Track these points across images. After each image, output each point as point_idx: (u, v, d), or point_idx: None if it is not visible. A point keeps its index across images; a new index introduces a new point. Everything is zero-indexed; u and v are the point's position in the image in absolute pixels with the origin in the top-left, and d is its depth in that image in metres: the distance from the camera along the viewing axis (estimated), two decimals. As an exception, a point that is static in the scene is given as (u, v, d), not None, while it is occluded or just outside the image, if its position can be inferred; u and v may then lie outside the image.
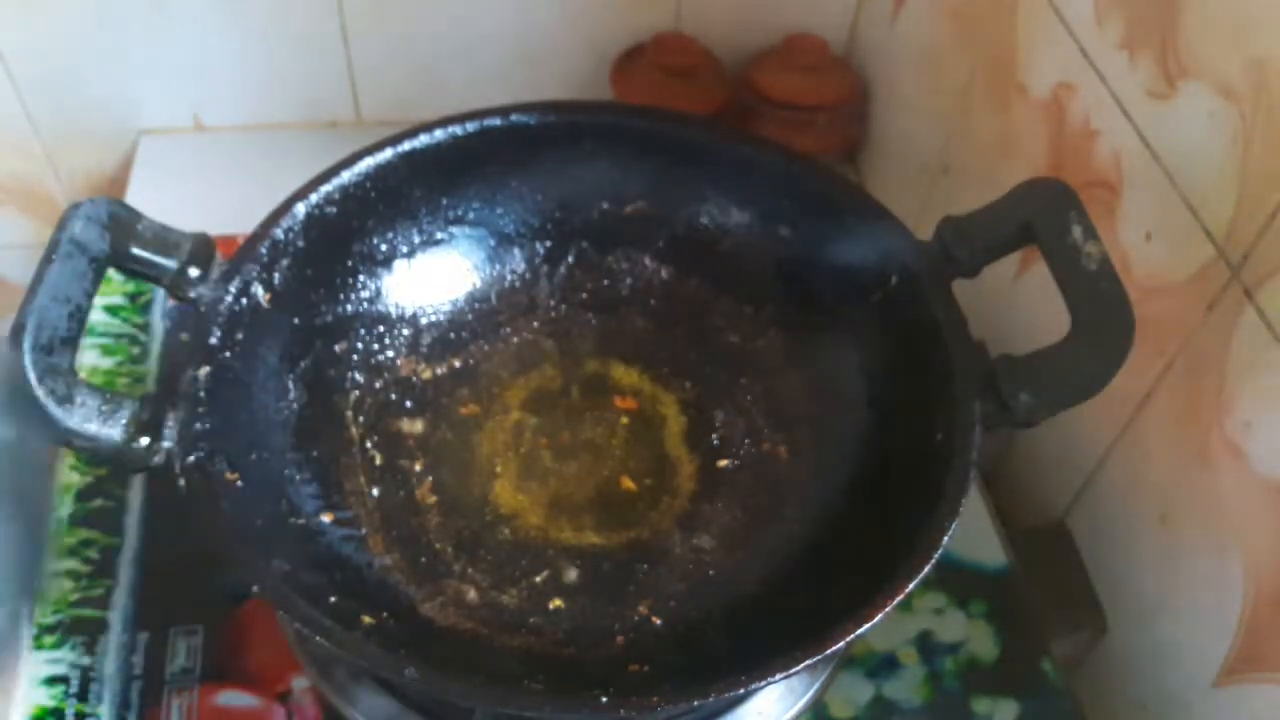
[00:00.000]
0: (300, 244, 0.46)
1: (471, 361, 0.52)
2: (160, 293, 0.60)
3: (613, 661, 0.42)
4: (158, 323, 0.59)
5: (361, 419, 0.49)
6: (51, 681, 0.46)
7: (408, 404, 0.50)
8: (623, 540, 0.47)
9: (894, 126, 0.71)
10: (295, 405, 0.46)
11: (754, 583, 0.45)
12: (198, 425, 0.40)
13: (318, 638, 0.36)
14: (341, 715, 0.44)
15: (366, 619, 0.39)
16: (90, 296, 0.38)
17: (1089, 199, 0.47)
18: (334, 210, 0.47)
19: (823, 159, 0.71)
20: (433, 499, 0.47)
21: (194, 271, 0.42)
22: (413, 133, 0.48)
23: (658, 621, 0.44)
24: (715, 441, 0.50)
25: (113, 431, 0.37)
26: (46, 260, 0.38)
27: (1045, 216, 0.41)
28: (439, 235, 0.51)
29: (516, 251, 0.53)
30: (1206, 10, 0.41)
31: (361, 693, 0.44)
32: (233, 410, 0.42)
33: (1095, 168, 0.49)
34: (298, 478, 0.44)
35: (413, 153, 0.48)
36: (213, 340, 0.42)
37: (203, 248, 0.42)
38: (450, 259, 0.52)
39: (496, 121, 0.49)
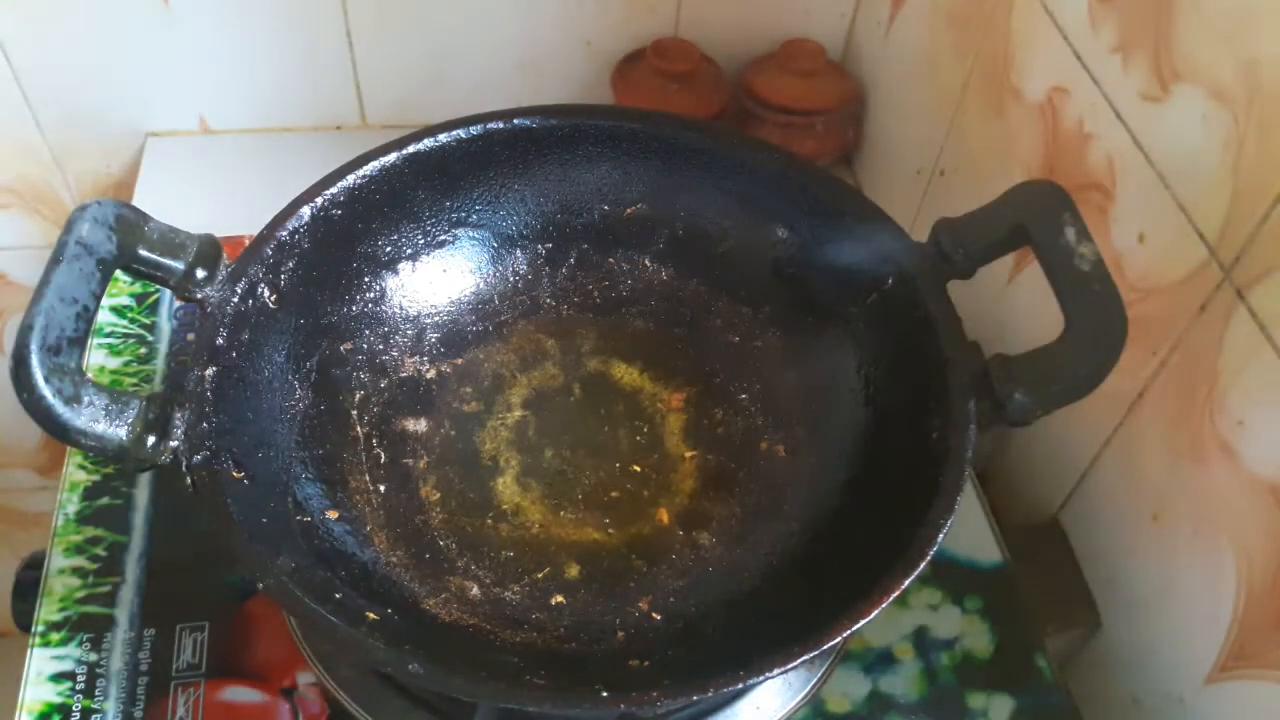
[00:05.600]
0: (306, 246, 0.47)
1: (474, 361, 0.52)
2: (167, 293, 0.61)
3: (613, 657, 0.43)
4: (165, 323, 0.60)
5: (366, 418, 0.49)
6: (58, 678, 0.46)
7: (412, 403, 0.50)
8: (623, 537, 0.47)
9: (890, 130, 0.72)
10: (301, 404, 0.47)
11: (752, 579, 0.45)
12: (204, 424, 0.40)
13: (323, 634, 0.37)
14: (346, 711, 0.45)
15: (371, 615, 0.40)
16: (98, 298, 0.38)
17: (1082, 201, 0.47)
18: (339, 212, 0.47)
19: (820, 162, 0.72)
20: (436, 496, 0.48)
21: (200, 273, 0.42)
22: (417, 136, 0.49)
23: (658, 617, 0.44)
24: (714, 440, 0.50)
25: (120, 430, 0.37)
26: (54, 261, 0.38)
27: (1039, 218, 0.41)
28: (442, 237, 0.52)
29: (519, 253, 0.54)
30: (1199, 13, 0.42)
31: (366, 688, 0.45)
32: (239, 409, 0.43)
33: (1089, 170, 0.49)
34: (303, 476, 0.45)
35: (417, 156, 0.49)
36: (219, 340, 0.42)
37: (209, 249, 0.43)
38: (453, 260, 0.53)
39: (499, 125, 0.50)
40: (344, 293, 0.49)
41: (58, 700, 0.45)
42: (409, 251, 0.51)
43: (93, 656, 0.46)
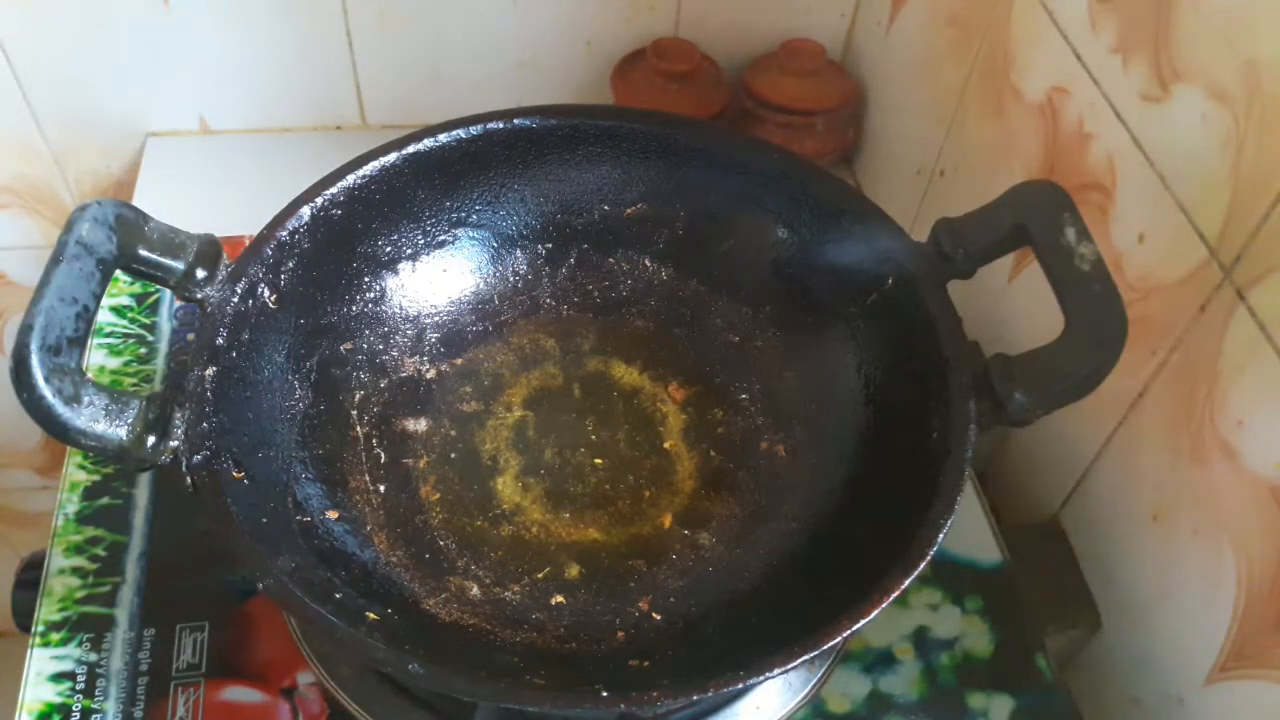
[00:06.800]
0: (306, 245, 0.47)
1: (474, 361, 0.53)
2: (167, 293, 0.61)
3: (613, 657, 0.43)
4: (165, 323, 0.60)
5: (366, 418, 0.49)
6: (58, 678, 0.46)
7: (412, 403, 0.50)
8: (623, 537, 0.47)
9: (890, 130, 0.72)
10: (301, 404, 0.47)
11: (753, 579, 0.45)
12: (204, 424, 0.40)
13: (323, 634, 0.37)
14: (346, 711, 0.45)
15: (371, 615, 0.40)
16: (98, 297, 0.38)
17: (1082, 201, 0.47)
18: (339, 212, 0.48)
19: (820, 162, 0.72)
20: (436, 496, 0.48)
21: (200, 273, 0.42)
22: (417, 136, 0.49)
23: (658, 617, 0.44)
24: (714, 440, 0.50)
25: (120, 430, 0.37)
26: (54, 261, 0.38)
27: (1039, 218, 0.41)
28: (442, 237, 0.52)
29: (519, 253, 0.54)
30: (1199, 14, 0.42)
31: (366, 688, 0.45)
32: (239, 409, 0.43)
33: (1089, 170, 0.49)
34: (303, 476, 0.45)
35: (417, 156, 0.49)
36: (219, 340, 0.42)
37: (209, 249, 0.43)
38: (453, 260, 0.53)
39: (499, 125, 0.50)
40: (344, 293, 0.49)
41: (58, 700, 0.45)
42: (409, 251, 0.51)
43: (93, 656, 0.46)
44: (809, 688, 0.46)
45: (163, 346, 0.59)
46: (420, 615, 0.43)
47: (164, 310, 0.60)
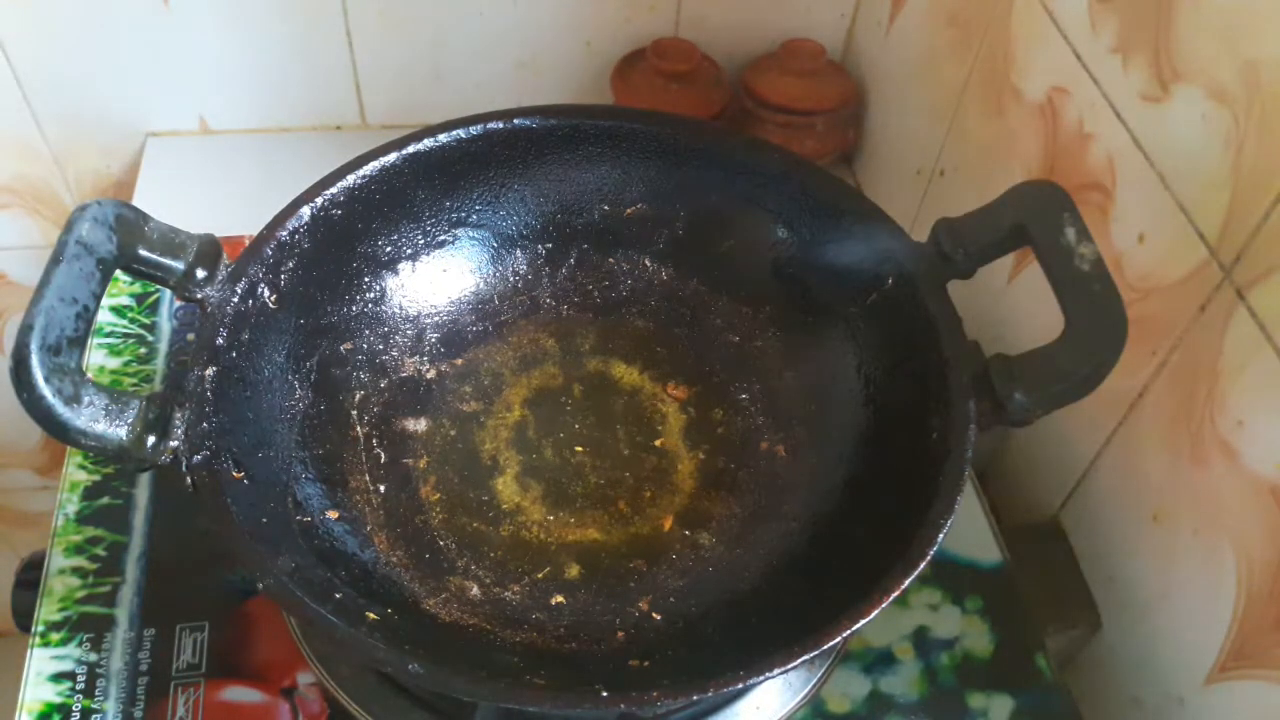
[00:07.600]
0: (306, 245, 0.47)
1: (474, 361, 0.53)
2: (167, 293, 0.61)
3: (614, 657, 0.43)
4: (165, 323, 0.60)
5: (366, 418, 0.49)
6: (58, 678, 0.46)
7: (412, 403, 0.50)
8: (623, 537, 0.47)
9: (890, 130, 0.72)
10: (301, 404, 0.47)
11: (753, 579, 0.45)
12: (204, 424, 0.40)
13: (323, 634, 0.37)
14: (346, 711, 0.45)
15: (371, 615, 0.40)
16: (98, 297, 0.39)
17: (1082, 201, 0.47)
18: (339, 212, 0.48)
19: (820, 162, 0.72)
20: (436, 496, 0.48)
21: (200, 273, 0.42)
22: (417, 136, 0.49)
23: (658, 617, 0.44)
24: (714, 440, 0.50)
25: (120, 430, 0.38)
26: (54, 261, 0.38)
27: (1039, 218, 0.41)
28: (442, 237, 0.52)
29: (519, 253, 0.54)
30: (1199, 14, 0.42)
31: (366, 688, 0.45)
32: (239, 409, 0.43)
33: (1089, 170, 0.49)
34: (303, 476, 0.45)
35: (417, 156, 0.49)
36: (219, 340, 0.42)
37: (209, 249, 0.43)
38: (453, 260, 0.53)
39: (499, 125, 0.50)
40: (344, 293, 0.49)
41: (58, 700, 0.45)
42: (409, 251, 0.51)
43: (93, 656, 0.46)
44: (809, 688, 0.46)
45: (163, 346, 0.59)
46: (420, 615, 0.43)
47: (164, 310, 0.60)
